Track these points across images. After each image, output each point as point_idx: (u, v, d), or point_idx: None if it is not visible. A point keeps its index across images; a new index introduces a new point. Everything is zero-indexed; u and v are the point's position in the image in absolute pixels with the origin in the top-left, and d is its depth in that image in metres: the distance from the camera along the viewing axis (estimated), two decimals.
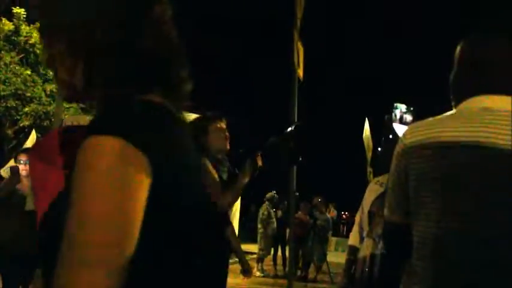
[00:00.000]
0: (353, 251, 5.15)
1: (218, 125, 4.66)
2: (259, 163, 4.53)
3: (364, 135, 14.29)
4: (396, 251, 2.42)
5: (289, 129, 4.80)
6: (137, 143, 1.24)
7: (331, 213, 18.89)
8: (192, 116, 5.36)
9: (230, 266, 4.64)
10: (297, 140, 4.75)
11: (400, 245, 2.23)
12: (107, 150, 1.22)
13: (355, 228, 5.13)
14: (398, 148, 2.17)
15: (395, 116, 4.42)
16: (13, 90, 23.52)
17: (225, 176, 4.63)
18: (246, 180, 4.46)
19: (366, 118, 13.90)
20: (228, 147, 4.72)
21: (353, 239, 5.19)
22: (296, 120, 5.99)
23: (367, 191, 4.87)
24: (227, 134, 4.70)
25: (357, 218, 5.09)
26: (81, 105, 25.79)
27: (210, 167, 4.44)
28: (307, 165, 5.55)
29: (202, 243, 1.42)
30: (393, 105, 4.51)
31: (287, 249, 14.13)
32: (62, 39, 1.44)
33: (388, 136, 3.97)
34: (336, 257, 16.86)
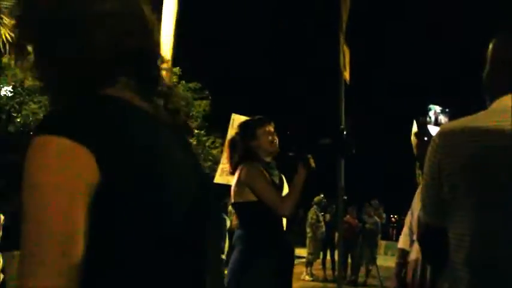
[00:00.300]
0: (403, 254, 5.09)
1: (266, 129, 4.64)
2: (313, 164, 4.51)
3: (412, 137, 14.14)
4: (433, 255, 2.38)
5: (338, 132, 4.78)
6: (83, 141, 1.24)
7: (382, 217, 18.72)
8: (241, 119, 5.37)
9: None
10: (349, 135, 4.75)
11: (438, 249, 2.19)
12: (49, 150, 1.23)
13: (405, 231, 5.07)
14: (430, 148, 2.14)
15: (430, 117, 4.35)
16: None
17: (276, 180, 4.60)
18: (302, 182, 4.42)
19: (414, 120, 13.77)
20: (278, 150, 4.70)
21: (403, 242, 5.13)
22: (343, 122, 5.95)
23: (416, 194, 4.80)
24: (276, 137, 4.68)
25: (407, 221, 5.03)
26: None
27: (264, 172, 4.45)
28: (355, 168, 5.52)
29: (171, 240, 1.38)
30: (427, 107, 4.45)
31: (336, 253, 14.07)
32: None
33: (423, 139, 3.90)
34: (386, 261, 16.70)
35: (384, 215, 18.95)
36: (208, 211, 1.55)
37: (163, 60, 1.57)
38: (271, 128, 4.68)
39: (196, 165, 1.61)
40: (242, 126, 4.79)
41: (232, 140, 4.81)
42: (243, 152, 4.58)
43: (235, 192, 4.48)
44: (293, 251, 4.69)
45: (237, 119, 5.98)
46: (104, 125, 1.30)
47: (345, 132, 4.89)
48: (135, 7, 1.51)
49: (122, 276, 1.32)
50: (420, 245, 2.46)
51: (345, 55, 6.28)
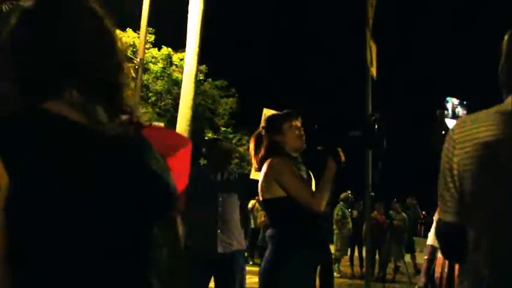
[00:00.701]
0: (432, 250, 5.07)
1: (293, 123, 4.47)
2: (343, 158, 4.35)
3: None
4: (452, 253, 2.35)
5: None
6: None
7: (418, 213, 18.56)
8: (269, 112, 5.31)
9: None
10: (379, 128, 4.62)
11: (456, 247, 2.17)
12: None
13: (434, 227, 5.05)
14: (446, 144, 2.12)
15: (447, 110, 4.28)
16: None
17: (304, 176, 4.44)
18: (333, 176, 4.27)
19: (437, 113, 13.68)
20: (304, 145, 4.56)
21: (432, 238, 5.10)
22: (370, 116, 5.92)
23: None
24: (302, 132, 4.53)
25: (436, 217, 5.00)
26: (157, 109, 26.38)
27: (293, 167, 4.30)
28: (382, 164, 5.49)
29: (77, 241, 1.45)
30: (444, 99, 4.37)
31: (364, 249, 14.03)
32: None
33: (441, 132, 3.84)
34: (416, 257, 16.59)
35: (422, 212, 18.83)
36: (144, 213, 1.59)
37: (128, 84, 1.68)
38: (299, 123, 4.52)
39: (129, 172, 1.64)
40: (268, 120, 4.65)
41: (258, 135, 4.64)
42: (269, 147, 4.42)
43: (262, 188, 4.29)
44: (326, 248, 4.59)
45: (268, 114, 5.94)
46: (17, 134, 1.44)
47: (376, 126, 4.75)
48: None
49: (30, 277, 1.41)
50: (438, 242, 2.43)
51: (372, 51, 6.27)
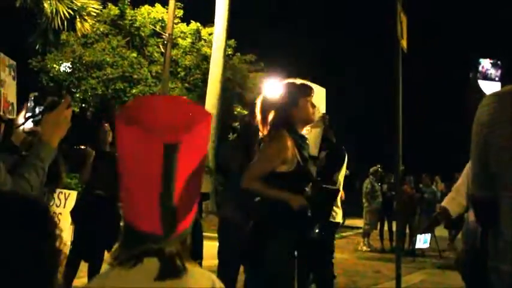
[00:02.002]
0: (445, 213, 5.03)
1: (308, 98, 4.58)
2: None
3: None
4: (488, 226, 2.34)
5: None
6: None
7: (439, 186, 18.47)
8: (298, 81, 5.27)
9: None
10: None
11: (491, 219, 2.16)
12: None
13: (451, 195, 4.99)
14: (476, 119, 2.10)
15: (479, 71, 4.20)
16: (121, 73, 24.37)
17: (306, 154, 4.51)
18: (281, 199, 4.33)
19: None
20: (314, 121, 4.77)
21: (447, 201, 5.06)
22: (401, 91, 5.86)
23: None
24: (314, 108, 4.67)
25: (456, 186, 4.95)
26: (186, 84, 26.47)
27: (287, 150, 4.34)
28: (412, 137, 5.46)
29: None
30: (477, 61, 4.27)
31: (394, 223, 14.00)
32: None
33: (476, 96, 3.75)
34: (444, 231, 16.52)
35: (443, 185, 18.71)
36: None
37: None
38: (312, 99, 4.64)
39: None
40: (287, 91, 4.66)
41: (270, 101, 4.67)
42: (282, 118, 4.47)
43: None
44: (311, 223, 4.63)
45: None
46: None
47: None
48: None
49: None
50: (476, 218, 2.43)
51: (402, 23, 6.21)
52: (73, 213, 7.39)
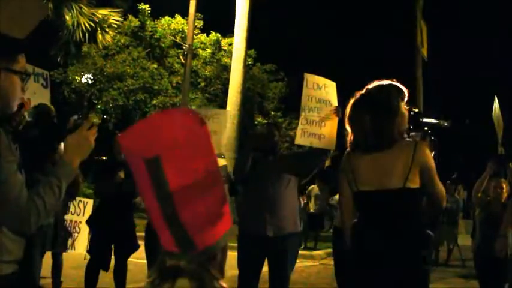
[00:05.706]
0: None
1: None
2: None
3: (493, 113, 13.70)
4: None
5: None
6: None
7: (461, 194, 18.25)
8: (315, 78, 5.13)
9: None
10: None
11: None
12: None
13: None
14: None
15: None
16: (141, 84, 24.53)
17: None
18: None
19: (496, 96, 13.34)
20: None
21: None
22: (422, 99, 5.84)
23: None
24: None
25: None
26: (206, 95, 26.54)
27: None
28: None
29: None
30: None
31: None
32: None
33: None
34: (467, 240, 16.32)
35: (465, 193, 18.49)
36: None
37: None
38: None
39: None
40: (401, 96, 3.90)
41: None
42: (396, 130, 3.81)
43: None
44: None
45: (310, 79, 5.85)
46: None
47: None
48: None
49: None
50: None
51: (423, 32, 6.17)
52: (89, 221, 7.41)
